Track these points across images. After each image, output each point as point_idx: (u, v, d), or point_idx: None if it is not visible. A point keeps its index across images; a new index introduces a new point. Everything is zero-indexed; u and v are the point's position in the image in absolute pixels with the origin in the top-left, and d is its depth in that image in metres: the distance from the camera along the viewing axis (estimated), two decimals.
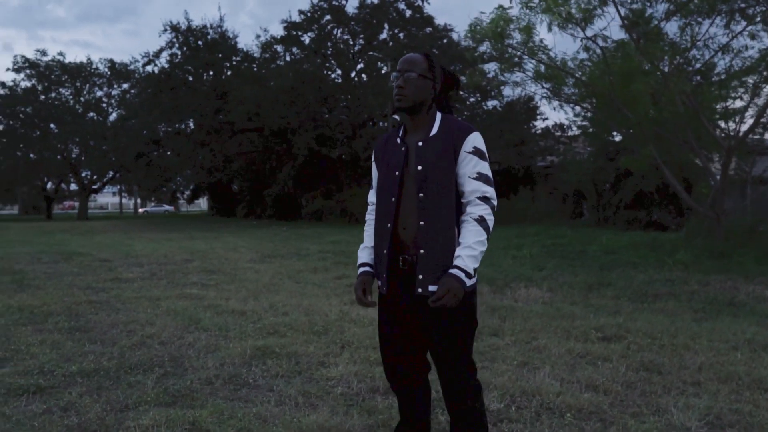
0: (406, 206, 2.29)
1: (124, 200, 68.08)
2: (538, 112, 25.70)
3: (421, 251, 2.22)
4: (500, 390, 3.51)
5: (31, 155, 37.91)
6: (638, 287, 7.34)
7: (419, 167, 2.26)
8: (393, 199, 2.30)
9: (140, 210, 62.48)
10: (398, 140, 2.38)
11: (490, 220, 2.21)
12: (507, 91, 23.08)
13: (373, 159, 2.51)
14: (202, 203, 57.30)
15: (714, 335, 4.88)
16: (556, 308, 6.07)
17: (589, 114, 14.17)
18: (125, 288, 7.53)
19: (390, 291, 2.35)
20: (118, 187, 47.12)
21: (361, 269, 2.45)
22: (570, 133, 23.70)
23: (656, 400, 3.39)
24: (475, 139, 2.27)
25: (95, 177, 40.01)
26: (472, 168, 2.24)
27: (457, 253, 2.19)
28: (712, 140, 10.80)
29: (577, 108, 13.53)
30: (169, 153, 30.98)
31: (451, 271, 2.16)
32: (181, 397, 3.44)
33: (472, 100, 26.14)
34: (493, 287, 7.50)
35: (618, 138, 15.43)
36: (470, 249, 2.18)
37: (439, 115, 2.36)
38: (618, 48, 10.28)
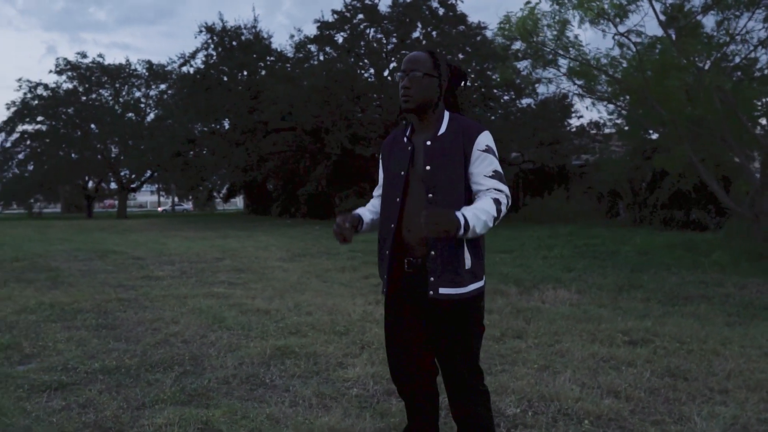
0: (411, 207, 2.25)
1: (162, 199, 69.39)
2: (573, 109, 25.32)
3: (432, 253, 2.18)
4: (518, 394, 3.45)
5: (73, 155, 38.87)
6: (670, 289, 7.15)
7: (428, 167, 2.22)
8: (398, 199, 2.26)
9: (159, 209, 63.26)
10: (405, 139, 2.34)
11: (503, 208, 2.15)
12: (541, 89, 22.76)
13: (380, 156, 2.48)
14: (238, 202, 58.01)
15: (746, 341, 4.71)
16: (583, 310, 5.95)
17: (623, 111, 13.89)
18: (155, 286, 7.64)
19: (395, 293, 2.32)
20: (156, 185, 47.94)
21: (353, 213, 2.40)
22: (606, 131, 23.29)
23: (679, 408, 3.29)
24: (487, 138, 2.23)
25: (134, 176, 40.84)
26: (487, 167, 2.19)
27: (464, 208, 2.11)
28: (751, 138, 10.47)
29: (611, 106, 13.26)
30: (204, 152, 31.46)
31: (456, 212, 2.07)
32: (197, 396, 3.46)
33: (506, 98, 25.88)
34: (520, 288, 7.38)
35: (655, 136, 15.09)
36: (478, 211, 2.09)
37: (447, 114, 2.31)
38: (651, 44, 10.04)
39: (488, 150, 2.21)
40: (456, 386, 2.24)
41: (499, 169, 2.22)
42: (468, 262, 2.18)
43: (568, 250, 11.43)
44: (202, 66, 27.71)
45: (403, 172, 2.27)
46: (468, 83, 2.45)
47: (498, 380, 3.68)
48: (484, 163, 2.20)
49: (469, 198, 2.23)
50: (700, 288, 7.28)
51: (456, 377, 2.23)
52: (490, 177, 2.19)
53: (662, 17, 10.05)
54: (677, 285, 7.48)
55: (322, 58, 26.71)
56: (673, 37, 10.20)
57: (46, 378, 3.76)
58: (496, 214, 2.12)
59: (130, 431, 2.98)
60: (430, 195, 2.20)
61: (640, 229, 17.18)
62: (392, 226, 2.27)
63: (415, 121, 2.35)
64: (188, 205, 61.47)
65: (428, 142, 2.25)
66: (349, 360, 4.20)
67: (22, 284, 7.72)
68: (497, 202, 2.14)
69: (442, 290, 2.16)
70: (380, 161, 2.47)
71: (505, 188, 2.19)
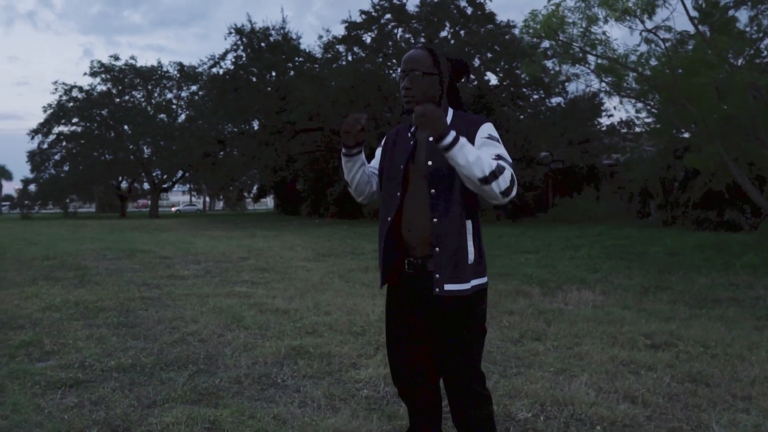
0: (412, 206, 2.20)
1: (196, 198, 70.47)
2: (602, 108, 24.96)
3: (437, 249, 2.13)
4: (531, 398, 3.37)
5: (107, 156, 39.64)
6: (698, 291, 6.96)
7: (429, 162, 2.18)
8: (398, 194, 2.22)
9: (173, 209, 63.95)
10: (409, 134, 2.30)
11: (507, 176, 2.00)
12: (571, 88, 22.47)
13: (381, 144, 2.43)
14: (269, 202, 58.63)
15: None
16: (606, 312, 5.82)
17: (651, 110, 13.62)
18: (178, 285, 7.71)
19: (396, 295, 2.29)
20: (188, 185, 48.66)
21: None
22: (637, 130, 22.91)
23: (698, 415, 3.18)
24: (489, 128, 2.17)
25: (165, 176, 41.47)
26: (490, 150, 2.10)
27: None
28: None
29: (639, 104, 13.01)
30: (235, 152, 31.84)
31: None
32: (207, 396, 3.47)
33: (535, 97, 25.64)
34: (544, 289, 7.27)
35: (686, 135, 14.77)
36: (476, 149, 2.02)
37: (450, 111, 2.27)
38: (681, 41, 9.81)
39: (491, 138, 2.14)
40: (456, 389, 2.19)
41: (505, 154, 2.10)
42: (471, 257, 2.13)
43: (595, 250, 11.24)
44: (232, 67, 28.01)
45: (402, 167, 2.24)
46: (470, 76, 2.39)
47: (512, 383, 3.62)
48: (487, 148, 2.10)
49: (473, 199, 2.16)
50: (730, 290, 7.08)
51: (456, 380, 2.18)
52: (494, 160, 2.08)
53: (693, 13, 9.82)
54: (706, 287, 7.29)
55: (350, 58, 26.79)
56: (707, 33, 9.96)
57: (62, 375, 3.81)
58: (495, 169, 1.98)
59: (137, 429, 2.99)
60: (433, 191, 2.15)
61: (671, 229, 16.85)
62: (389, 219, 2.23)
63: None
64: (201, 205, 62.86)
65: (431, 138, 2.21)
66: (363, 361, 4.17)
67: (50, 282, 7.88)
68: (500, 165, 2.01)
69: (447, 287, 2.10)
70: (380, 149, 2.42)
71: (511, 170, 2.06)
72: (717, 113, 9.90)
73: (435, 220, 2.13)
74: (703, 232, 15.93)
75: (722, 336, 4.81)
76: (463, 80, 2.33)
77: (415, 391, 2.35)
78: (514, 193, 2.04)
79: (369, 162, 2.45)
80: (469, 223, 2.15)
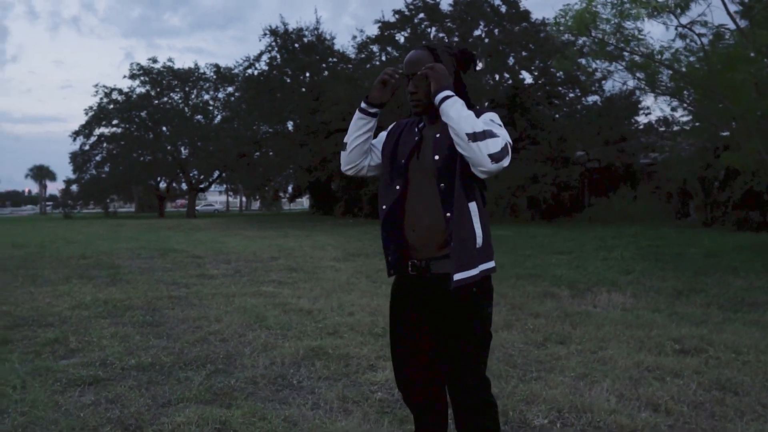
0: (416, 205, 2.14)
1: (232, 199, 71.43)
2: (640, 106, 24.42)
3: (452, 244, 2.06)
4: (548, 404, 3.28)
5: (145, 157, 40.38)
6: (734, 295, 6.73)
7: (436, 157, 2.12)
8: (398, 187, 2.17)
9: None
10: (416, 129, 2.25)
11: (499, 143, 1.95)
12: (607, 86, 22.02)
13: (389, 127, 2.37)
14: (304, 202, 59.02)
15: None
16: (635, 315, 5.66)
17: (687, 107, 13.25)
18: (207, 284, 7.78)
19: (399, 298, 2.24)
20: (224, 186, 49.23)
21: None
22: (676, 128, 22.36)
23: (724, 425, 3.05)
24: (492, 115, 2.10)
25: (202, 176, 42.05)
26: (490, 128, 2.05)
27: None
28: None
29: (674, 102, 12.66)
30: (270, 153, 32.14)
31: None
32: (221, 396, 3.47)
33: (570, 95, 25.23)
34: (573, 291, 7.12)
35: (726, 133, 14.34)
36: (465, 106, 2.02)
37: None
38: (718, 35, 9.51)
39: (492, 122, 2.07)
40: (460, 395, 2.12)
41: (505, 135, 2.02)
42: (479, 240, 2.07)
43: (629, 251, 10.98)
44: (266, 68, 28.27)
45: (403, 161, 2.19)
46: (477, 65, 2.32)
47: (530, 388, 3.53)
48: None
49: (472, 182, 2.08)
50: None
51: (460, 385, 2.11)
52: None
53: (731, 7, 9.51)
54: (743, 290, 7.03)
55: (384, 58, 26.76)
56: (749, 27, 9.64)
57: (83, 373, 3.86)
58: (486, 130, 1.95)
59: (149, 428, 3.00)
60: (442, 185, 2.10)
61: (711, 230, 16.39)
62: (384, 207, 2.19)
63: (426, 119, 2.26)
64: (219, 206, 64.04)
65: (437, 135, 2.16)
66: (381, 363, 4.12)
67: (83, 280, 8.03)
68: (493, 132, 1.97)
69: (457, 276, 2.03)
70: (385, 132, 2.37)
71: (505, 143, 1.99)
72: (757, 110, 9.56)
73: (448, 214, 2.07)
74: (743, 233, 15.45)
75: (756, 342, 4.63)
76: (469, 70, 2.26)
77: (420, 396, 2.29)
78: (505, 163, 1.98)
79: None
80: (472, 205, 2.09)
